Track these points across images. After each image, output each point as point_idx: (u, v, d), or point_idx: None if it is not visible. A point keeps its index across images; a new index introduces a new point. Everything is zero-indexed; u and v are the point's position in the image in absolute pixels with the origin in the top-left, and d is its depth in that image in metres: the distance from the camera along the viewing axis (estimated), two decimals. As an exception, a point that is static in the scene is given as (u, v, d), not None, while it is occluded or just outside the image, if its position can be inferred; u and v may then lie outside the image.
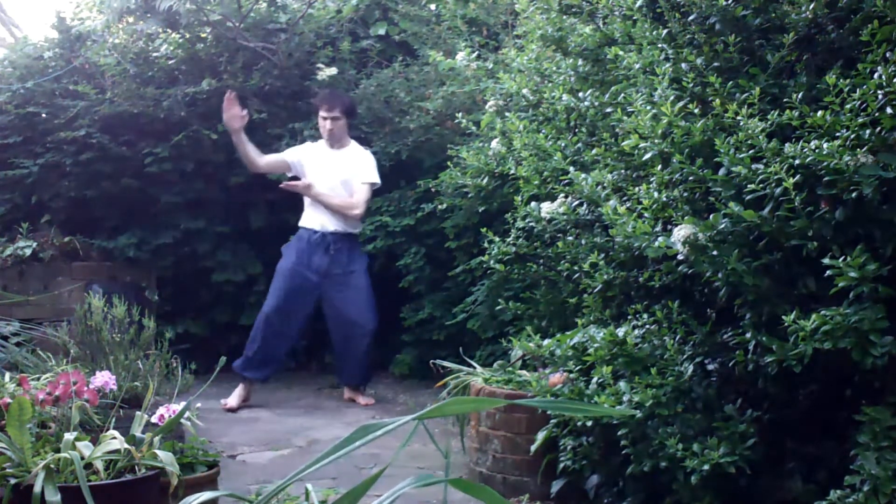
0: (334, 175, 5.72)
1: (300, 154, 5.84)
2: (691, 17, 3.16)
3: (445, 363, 4.57)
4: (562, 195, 3.97)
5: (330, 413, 5.51)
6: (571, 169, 3.75)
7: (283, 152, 5.93)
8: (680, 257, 2.96)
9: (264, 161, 5.81)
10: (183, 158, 6.67)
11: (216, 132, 6.63)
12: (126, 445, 2.69)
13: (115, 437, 2.70)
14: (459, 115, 5.60)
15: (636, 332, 3.36)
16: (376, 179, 5.82)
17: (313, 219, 5.71)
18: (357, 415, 5.44)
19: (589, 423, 3.39)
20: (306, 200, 5.76)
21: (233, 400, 5.54)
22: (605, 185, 3.51)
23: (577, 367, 3.62)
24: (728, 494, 3.02)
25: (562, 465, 3.54)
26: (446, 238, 5.97)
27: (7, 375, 3.50)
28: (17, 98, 6.60)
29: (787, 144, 2.71)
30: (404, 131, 6.59)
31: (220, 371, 3.52)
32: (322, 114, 5.73)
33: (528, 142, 4.32)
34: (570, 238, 3.89)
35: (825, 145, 2.62)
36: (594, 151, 3.67)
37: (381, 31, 7.31)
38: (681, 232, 2.88)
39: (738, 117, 2.83)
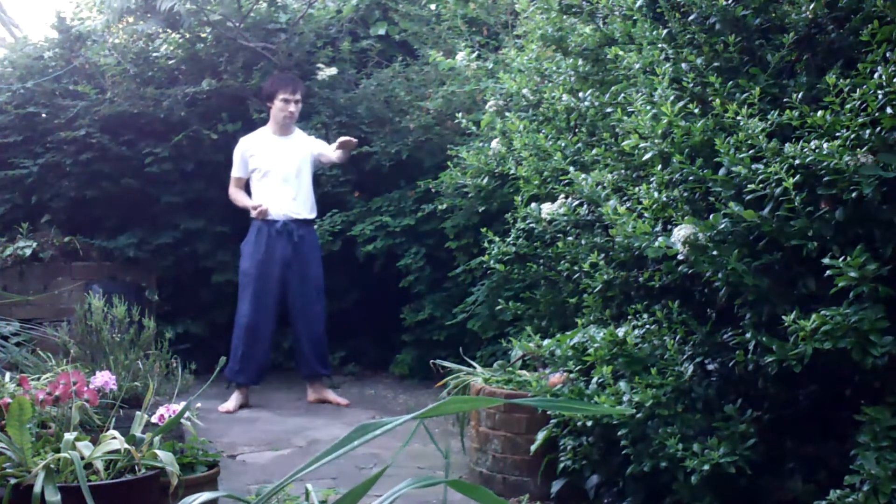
0: (289, 164, 5.68)
1: (245, 148, 5.74)
2: (691, 17, 3.16)
3: (445, 363, 4.58)
4: (562, 195, 3.97)
5: (330, 413, 5.51)
6: (571, 169, 3.75)
7: (235, 170, 5.80)
8: (680, 257, 2.96)
9: (242, 193, 5.84)
10: (183, 158, 6.67)
11: (216, 132, 6.63)
12: (126, 445, 2.69)
13: (115, 437, 2.70)
14: (459, 115, 5.60)
15: (636, 332, 3.36)
16: None
17: (273, 209, 5.64)
18: (357, 415, 5.44)
19: (589, 424, 3.39)
20: (260, 191, 5.69)
21: (230, 404, 5.54)
22: (605, 185, 3.51)
23: (577, 367, 3.62)
24: (728, 494, 3.02)
25: (562, 465, 3.54)
26: (446, 238, 5.97)
27: (7, 375, 3.50)
28: (17, 98, 6.61)
29: (787, 144, 2.71)
30: (404, 131, 6.59)
31: (220, 371, 3.52)
32: (285, 96, 5.65)
33: (528, 142, 4.32)
34: (570, 238, 3.89)
35: (825, 145, 2.62)
36: (594, 151, 3.67)
37: (381, 31, 7.32)
38: (681, 232, 2.88)
39: (738, 117, 2.83)
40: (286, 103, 5.66)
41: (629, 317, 3.49)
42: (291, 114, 5.70)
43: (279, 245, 5.62)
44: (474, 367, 4.44)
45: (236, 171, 5.81)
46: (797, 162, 2.66)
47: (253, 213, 5.66)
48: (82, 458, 2.57)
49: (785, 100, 2.85)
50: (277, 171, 5.66)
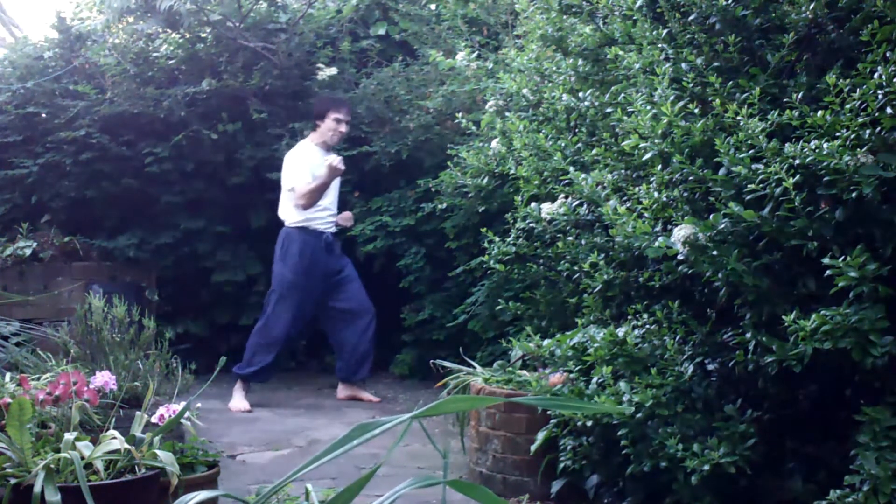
0: (335, 182, 5.73)
1: (309, 160, 5.64)
2: (691, 17, 3.16)
3: (445, 363, 4.57)
4: (562, 195, 3.97)
5: (330, 413, 5.51)
6: (571, 169, 3.75)
7: (305, 179, 5.57)
8: (680, 257, 2.96)
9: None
10: (183, 158, 6.67)
11: (216, 132, 6.63)
12: (126, 445, 2.69)
13: (115, 437, 2.70)
14: (459, 114, 5.60)
15: (636, 332, 3.36)
16: None
17: (318, 223, 5.68)
18: (357, 415, 5.44)
19: (589, 424, 3.39)
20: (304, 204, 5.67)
21: (243, 403, 5.56)
22: (605, 185, 3.51)
23: (577, 368, 3.62)
24: (728, 494, 3.02)
25: (562, 465, 3.54)
26: (446, 238, 5.97)
27: (7, 375, 3.50)
28: (17, 98, 6.61)
29: (787, 144, 2.71)
30: (404, 131, 6.60)
31: (220, 371, 3.52)
32: (340, 116, 5.72)
33: (528, 142, 4.32)
34: (570, 238, 3.89)
35: (825, 145, 2.62)
36: (594, 151, 3.67)
37: (381, 31, 7.32)
38: (681, 232, 2.88)
39: (738, 117, 2.83)
40: (338, 123, 5.72)
41: (629, 317, 3.49)
42: (342, 133, 5.78)
43: (323, 258, 5.67)
44: (474, 368, 4.44)
45: (307, 179, 5.58)
46: (797, 162, 2.66)
47: (333, 165, 5.46)
48: (82, 458, 2.57)
49: (785, 100, 2.85)
50: (330, 191, 5.70)
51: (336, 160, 5.53)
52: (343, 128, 5.75)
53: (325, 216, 5.70)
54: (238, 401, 5.57)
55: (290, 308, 5.62)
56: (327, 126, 5.71)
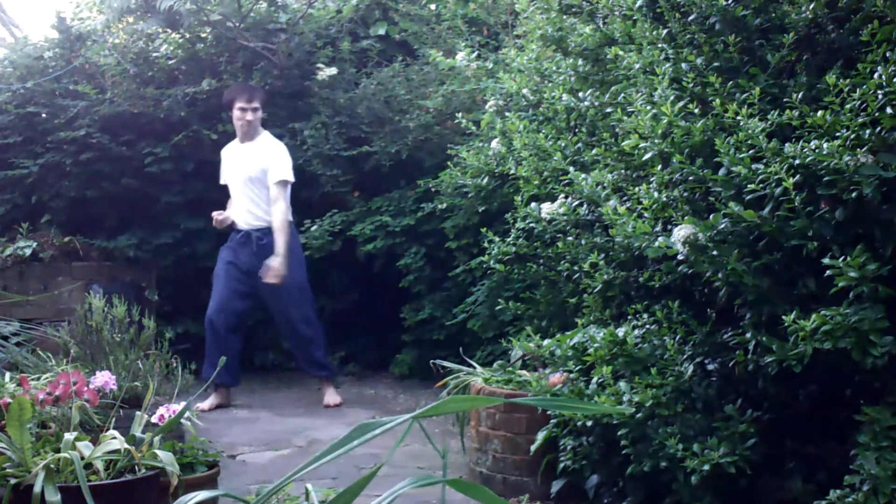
0: (241, 173, 5.65)
1: (221, 155, 5.87)
2: (691, 17, 3.16)
3: (445, 363, 4.57)
4: (562, 195, 3.97)
5: (330, 413, 5.51)
6: (571, 169, 3.75)
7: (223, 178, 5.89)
8: (680, 257, 2.96)
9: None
10: (183, 158, 6.68)
11: (216, 132, 6.63)
12: (126, 445, 2.69)
13: (115, 437, 2.70)
14: (459, 114, 5.60)
15: (636, 332, 3.36)
16: (289, 176, 5.62)
17: (237, 218, 5.67)
18: (357, 415, 5.44)
19: (589, 424, 3.39)
20: (232, 200, 5.74)
21: (205, 403, 5.50)
22: (605, 185, 3.51)
23: (577, 368, 3.62)
24: (728, 494, 3.02)
25: (562, 465, 3.54)
26: (446, 238, 5.97)
27: (7, 375, 3.50)
28: (17, 98, 6.61)
29: (787, 144, 2.71)
30: (404, 131, 6.60)
31: (220, 371, 3.51)
32: (241, 105, 5.61)
33: (528, 142, 4.32)
34: (570, 238, 3.89)
35: (825, 145, 2.62)
36: (594, 151, 3.67)
37: (381, 31, 7.32)
38: (681, 232, 2.88)
39: (738, 117, 2.83)
40: (243, 112, 5.62)
41: (629, 317, 3.49)
42: (249, 122, 5.65)
43: (243, 254, 5.61)
44: (474, 367, 4.44)
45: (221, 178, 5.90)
46: (797, 162, 2.66)
47: (217, 218, 5.70)
48: (82, 458, 2.57)
49: (785, 100, 2.85)
50: (237, 180, 5.68)
51: (217, 220, 5.66)
52: (249, 115, 5.61)
53: (241, 212, 5.65)
54: (204, 402, 5.53)
55: (213, 298, 5.67)
56: (235, 116, 5.67)
